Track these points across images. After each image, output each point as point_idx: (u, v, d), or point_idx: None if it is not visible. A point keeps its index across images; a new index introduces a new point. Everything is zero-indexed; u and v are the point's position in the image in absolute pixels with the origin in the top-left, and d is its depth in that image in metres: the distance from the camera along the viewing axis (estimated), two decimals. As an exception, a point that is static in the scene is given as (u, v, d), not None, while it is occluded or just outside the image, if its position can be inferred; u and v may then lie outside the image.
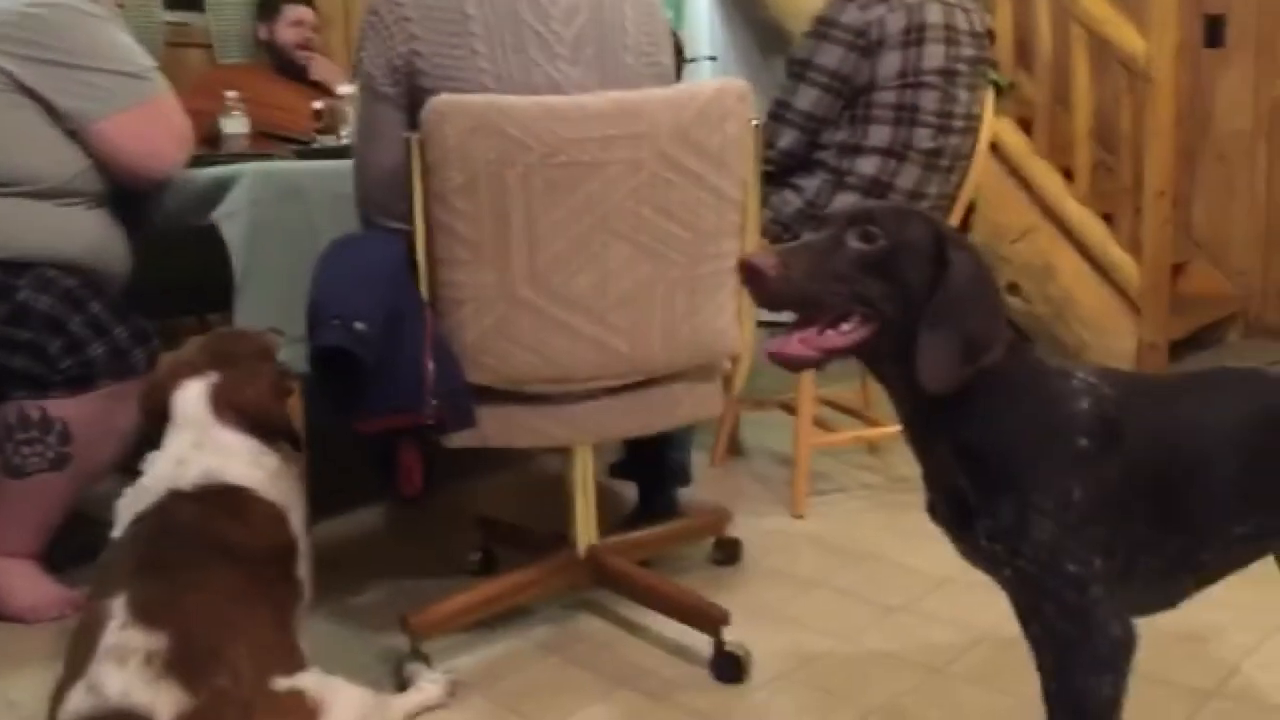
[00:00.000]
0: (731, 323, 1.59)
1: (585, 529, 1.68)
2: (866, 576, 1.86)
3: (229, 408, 1.36)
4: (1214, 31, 3.76)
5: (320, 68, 3.38)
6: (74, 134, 1.77)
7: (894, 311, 0.96)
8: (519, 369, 1.46)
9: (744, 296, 1.57)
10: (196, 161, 1.92)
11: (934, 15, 2.13)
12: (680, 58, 3.02)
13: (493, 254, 1.41)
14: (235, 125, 2.59)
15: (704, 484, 2.26)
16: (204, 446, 1.33)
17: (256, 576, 1.24)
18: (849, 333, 0.97)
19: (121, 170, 1.82)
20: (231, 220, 1.75)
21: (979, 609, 1.64)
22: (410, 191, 1.41)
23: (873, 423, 2.46)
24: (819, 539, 2.04)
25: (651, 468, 2.02)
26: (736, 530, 1.96)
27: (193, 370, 1.38)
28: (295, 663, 1.21)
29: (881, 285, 0.96)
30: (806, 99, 2.15)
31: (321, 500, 1.59)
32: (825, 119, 2.17)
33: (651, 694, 1.49)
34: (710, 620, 1.53)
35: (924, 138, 2.16)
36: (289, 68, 3.34)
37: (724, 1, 4.86)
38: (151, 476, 1.32)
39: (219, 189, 1.78)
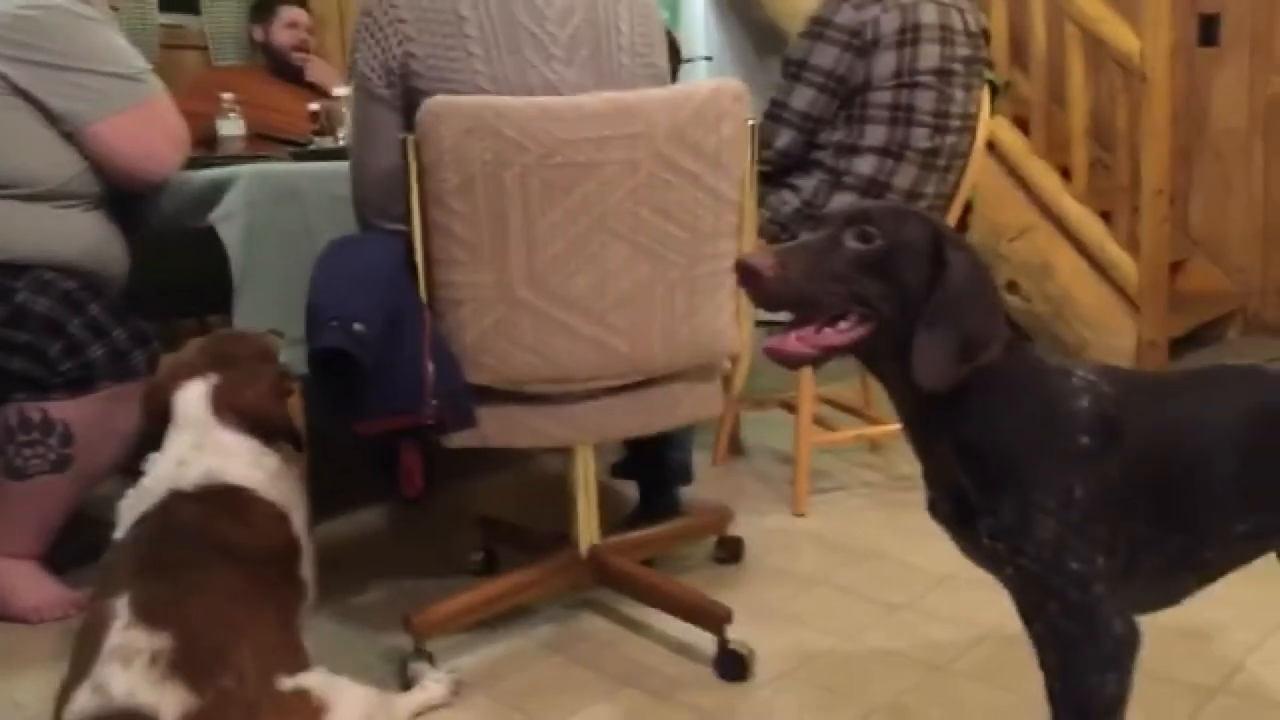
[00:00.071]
0: (730, 322, 1.59)
1: (587, 529, 1.69)
2: (868, 574, 1.86)
3: (230, 409, 1.36)
4: (1208, 30, 3.77)
5: (316, 69, 3.38)
6: (70, 136, 1.77)
7: (892, 311, 0.96)
8: (519, 369, 1.46)
9: (743, 296, 1.57)
10: (193, 163, 1.92)
11: (929, 15, 2.13)
12: (676, 58, 3.02)
13: (491, 255, 1.41)
14: (231, 127, 2.59)
15: (705, 483, 2.26)
16: (205, 447, 1.33)
17: (259, 577, 1.24)
18: (846, 331, 0.97)
19: (118, 172, 1.82)
20: (228, 222, 1.75)
21: (981, 606, 1.65)
22: (407, 193, 1.41)
23: (873, 421, 2.46)
24: (820, 537, 2.04)
25: (652, 467, 2.02)
26: (738, 529, 1.96)
27: (193, 372, 1.38)
28: (299, 662, 1.21)
29: (879, 285, 0.96)
30: (802, 99, 2.16)
31: (323, 501, 1.59)
32: (822, 119, 2.17)
33: (655, 692, 1.49)
34: (713, 619, 1.54)
35: (920, 137, 2.16)
36: (284, 69, 3.35)
37: (719, 2, 4.87)
38: (153, 477, 1.32)
39: (216, 191, 1.78)
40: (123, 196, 1.88)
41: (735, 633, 1.52)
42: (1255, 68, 3.71)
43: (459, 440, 1.48)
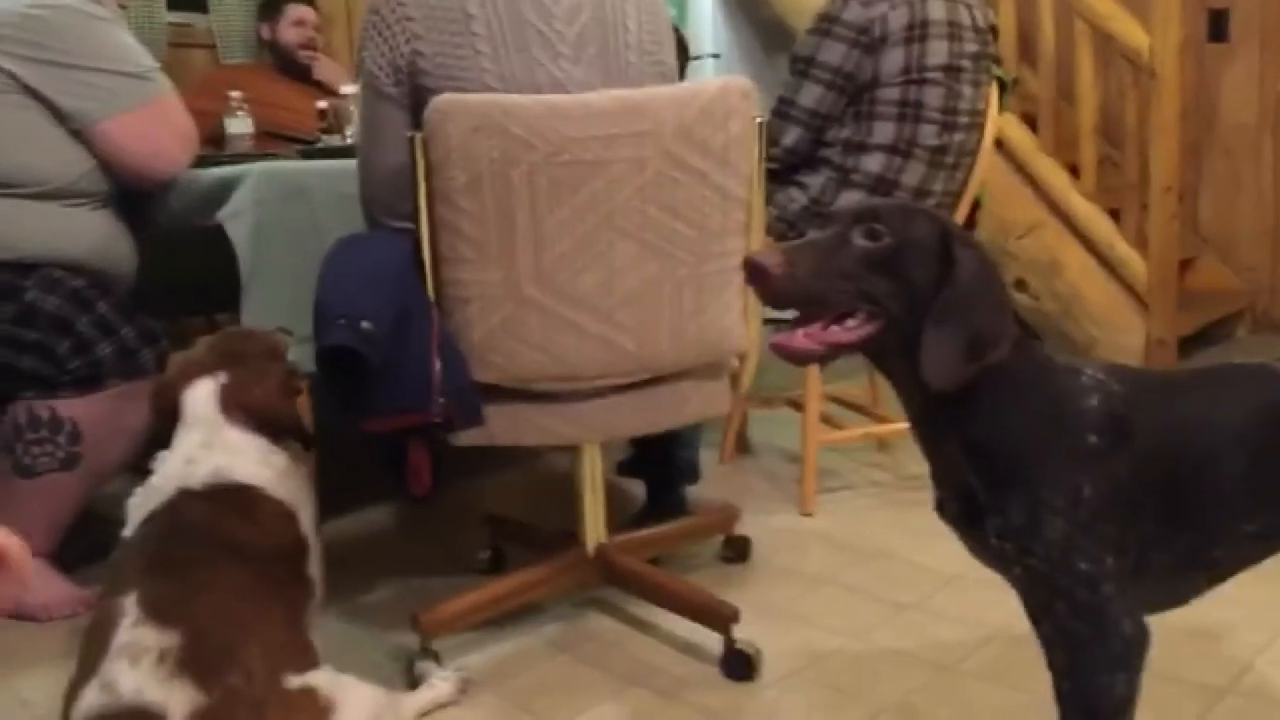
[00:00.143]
0: (738, 320, 1.59)
1: (594, 527, 1.68)
2: (876, 574, 1.85)
3: (238, 407, 1.36)
4: (1218, 26, 3.75)
5: (323, 68, 3.38)
6: (78, 135, 1.77)
7: (900, 309, 0.96)
8: (526, 367, 1.46)
9: (750, 294, 1.57)
10: (201, 162, 1.93)
11: (937, 11, 2.12)
12: (684, 56, 3.02)
13: (498, 253, 1.41)
14: (239, 125, 2.60)
15: (712, 482, 2.26)
16: (213, 446, 1.33)
17: (267, 575, 1.24)
18: (854, 329, 0.97)
19: (126, 171, 1.82)
20: (237, 220, 1.75)
21: (989, 606, 1.64)
22: (414, 191, 1.41)
23: (881, 419, 2.46)
24: (828, 536, 2.04)
25: (660, 466, 2.02)
26: (745, 528, 1.96)
27: (202, 370, 1.38)
28: (307, 661, 1.21)
29: (887, 283, 0.95)
30: (810, 96, 2.15)
31: (330, 499, 1.60)
32: (829, 116, 2.17)
33: (662, 692, 1.49)
34: (720, 618, 1.53)
35: (929, 134, 2.15)
36: (292, 68, 3.35)
37: (727, -1, 4.86)
38: (161, 476, 1.32)
39: (224, 189, 1.78)
40: (131, 195, 1.89)
41: (742, 632, 1.52)
42: (1265, 64, 3.69)
43: (466, 438, 1.48)
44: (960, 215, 2.29)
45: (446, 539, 2.12)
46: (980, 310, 0.95)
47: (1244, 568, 1.07)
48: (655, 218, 1.45)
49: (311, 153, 2.24)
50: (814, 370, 2.11)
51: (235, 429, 1.35)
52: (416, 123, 1.42)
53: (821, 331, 0.97)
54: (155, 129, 1.83)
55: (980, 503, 1.01)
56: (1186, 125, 3.33)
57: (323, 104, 2.64)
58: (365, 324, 1.38)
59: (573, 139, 1.39)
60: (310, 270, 1.47)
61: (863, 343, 0.98)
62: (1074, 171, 3.32)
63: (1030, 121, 3.42)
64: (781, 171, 2.21)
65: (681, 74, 2.07)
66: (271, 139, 2.69)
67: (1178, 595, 1.08)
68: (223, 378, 1.38)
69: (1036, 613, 1.03)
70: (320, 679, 1.18)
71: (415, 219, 1.43)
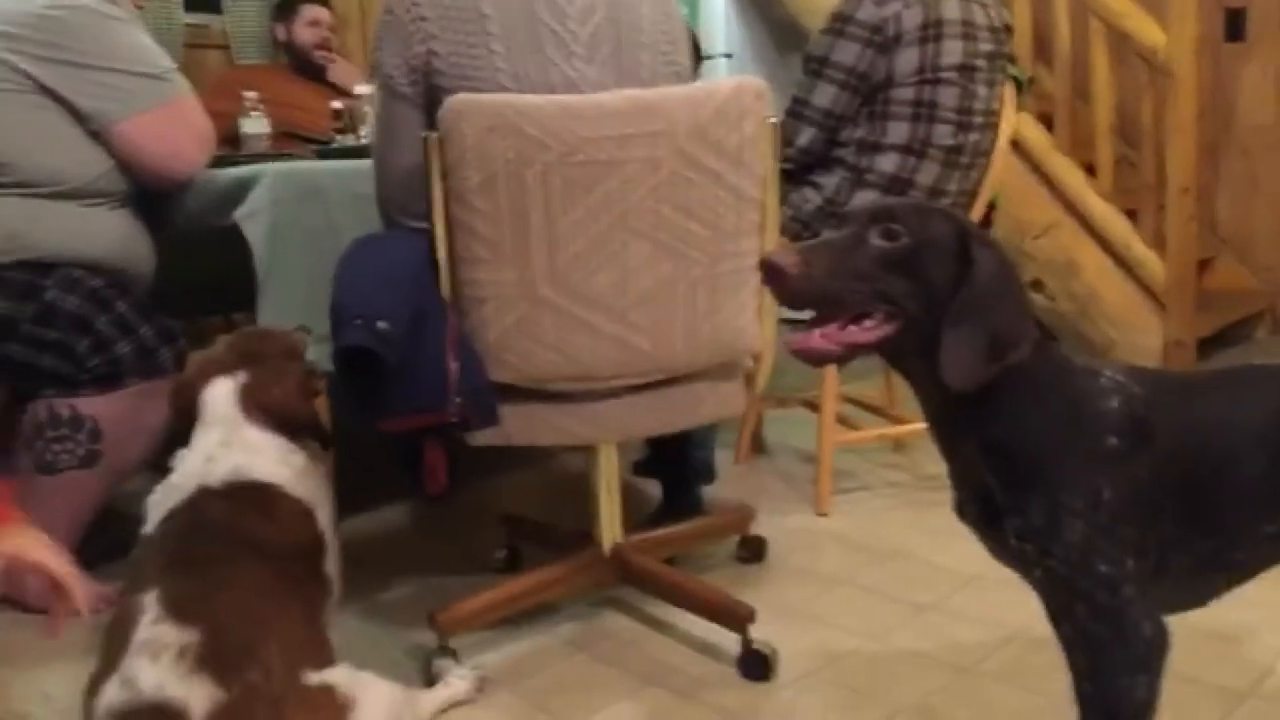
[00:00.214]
0: (753, 321, 1.59)
1: (610, 527, 1.69)
2: (893, 575, 1.85)
3: (257, 406, 1.37)
4: (1235, 25, 3.72)
5: (338, 68, 3.40)
6: (97, 135, 1.79)
7: (917, 309, 0.95)
8: (541, 367, 1.47)
9: (765, 294, 1.57)
10: (218, 162, 1.94)
11: (951, 11, 2.12)
12: (696, 56, 3.01)
13: (512, 253, 1.41)
14: (255, 126, 2.61)
15: (728, 482, 2.25)
16: (232, 444, 1.34)
17: (286, 572, 1.24)
18: (871, 329, 0.97)
19: (144, 171, 1.83)
20: (253, 220, 1.76)
21: (1008, 607, 1.64)
22: (429, 191, 1.42)
23: (897, 420, 2.45)
24: (844, 537, 2.04)
25: (675, 466, 2.02)
26: (761, 528, 1.95)
27: (221, 369, 1.39)
28: (325, 658, 1.21)
29: (904, 283, 0.95)
30: (824, 96, 2.15)
31: (347, 498, 1.60)
32: (843, 116, 2.16)
33: (678, 691, 1.49)
34: (736, 618, 1.53)
35: (943, 134, 2.15)
36: (307, 68, 3.37)
37: (739, -1, 4.85)
38: (181, 474, 1.33)
39: (240, 189, 1.79)
40: (149, 195, 1.90)
41: (758, 632, 1.52)
42: (1283, 63, 3.66)
43: (482, 438, 1.49)
44: (975, 215, 2.28)
45: (462, 538, 2.12)
46: (999, 310, 0.95)
47: (1264, 569, 1.06)
48: (669, 218, 1.45)
49: (327, 153, 2.25)
50: (830, 371, 2.10)
51: (254, 428, 1.36)
52: (432, 122, 1.42)
53: (838, 332, 0.96)
54: (172, 129, 1.84)
55: (999, 504, 1.00)
56: (1204, 125, 3.31)
57: (337, 104, 2.65)
58: (381, 324, 1.39)
59: (587, 139, 1.39)
60: (326, 270, 1.48)
61: (880, 343, 0.97)
62: (1090, 171, 3.30)
63: (1046, 121, 3.40)
64: (795, 172, 2.20)
65: (694, 74, 2.06)
66: (287, 139, 2.70)
67: (1197, 596, 1.07)
68: (242, 377, 1.38)
69: (1056, 615, 1.02)
70: (339, 676, 1.18)
71: (430, 219, 1.43)
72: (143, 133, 1.80)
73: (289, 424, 1.39)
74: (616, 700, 1.47)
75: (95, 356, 1.73)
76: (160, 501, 1.31)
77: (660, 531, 1.83)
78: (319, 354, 1.53)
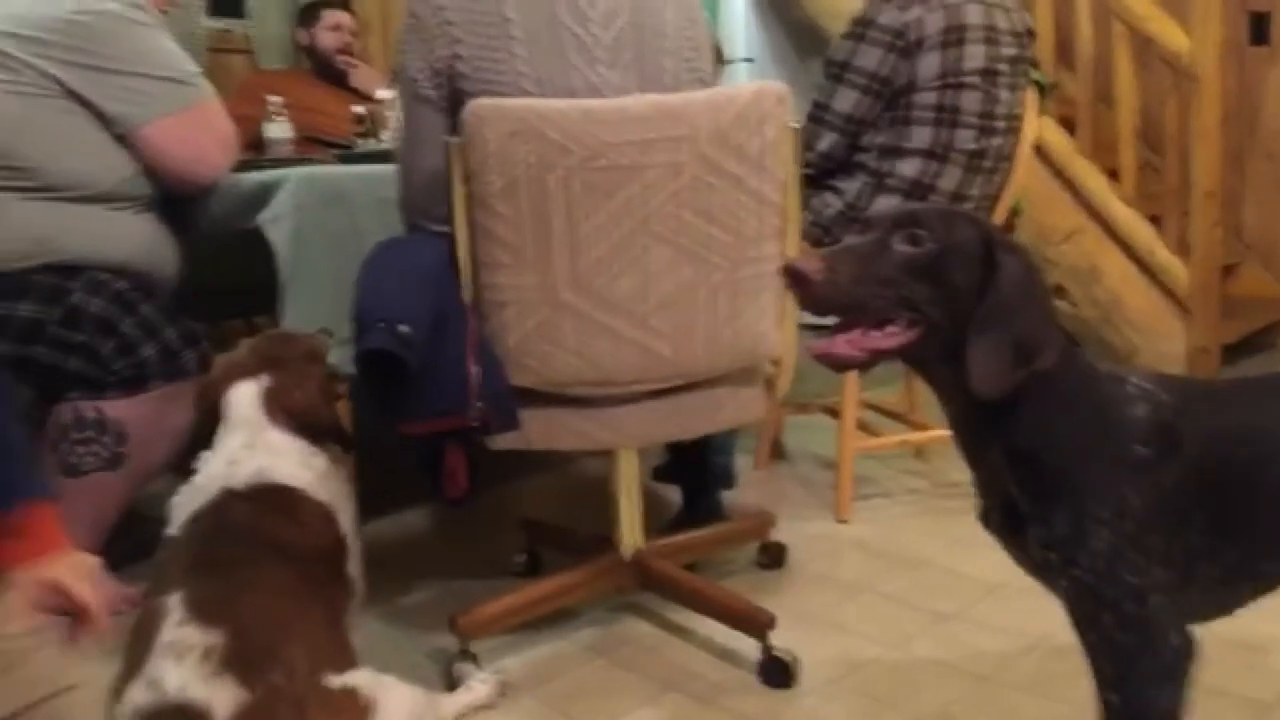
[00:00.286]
0: (773, 326, 1.58)
1: (631, 532, 1.68)
2: (914, 582, 1.84)
3: (280, 409, 1.37)
4: (1259, 29, 3.69)
5: (360, 73, 3.41)
6: (122, 139, 1.80)
7: (941, 315, 0.95)
8: (561, 372, 1.47)
9: (786, 300, 1.56)
10: (241, 166, 1.95)
11: (974, 15, 2.11)
12: (717, 60, 3.01)
13: (534, 257, 1.42)
14: (278, 130, 2.62)
15: (748, 488, 2.25)
16: (256, 447, 1.34)
17: (308, 575, 1.25)
18: (895, 335, 0.96)
19: (168, 175, 1.85)
20: (277, 224, 1.77)
21: (1031, 616, 1.62)
22: (451, 195, 1.42)
23: (918, 427, 2.43)
24: (865, 544, 2.03)
25: (695, 471, 2.01)
26: (781, 534, 1.95)
27: (245, 372, 1.40)
28: (347, 661, 1.22)
29: (928, 289, 0.95)
30: (845, 101, 2.14)
31: (368, 501, 1.61)
32: (865, 121, 2.16)
33: (699, 697, 1.48)
34: (757, 624, 1.53)
35: (966, 139, 2.14)
36: (329, 73, 3.39)
37: (759, 3, 4.85)
38: (205, 476, 1.34)
39: (264, 193, 1.80)
40: (173, 199, 1.92)
41: (779, 639, 1.51)
42: (1310, 67, 3.62)
43: (503, 442, 1.49)
44: (996, 220, 2.27)
45: (483, 542, 2.13)
46: (1025, 316, 0.94)
47: (1293, 579, 1.05)
48: (691, 223, 1.45)
49: (350, 157, 2.26)
50: (850, 376, 2.09)
51: (277, 430, 1.36)
52: (455, 126, 1.43)
53: (862, 338, 0.96)
54: (197, 134, 1.85)
55: (1025, 512, 1.00)
56: (1228, 130, 3.28)
57: (359, 109, 2.67)
58: (403, 327, 1.39)
59: (609, 144, 1.39)
60: (349, 273, 1.49)
61: (904, 349, 0.97)
62: (1113, 176, 3.27)
63: (1068, 125, 3.38)
64: (816, 177, 2.20)
65: (715, 79, 2.06)
66: (310, 144, 2.72)
67: (1225, 606, 1.06)
68: (265, 380, 1.39)
69: (1082, 624, 1.01)
70: (361, 679, 1.19)
71: (452, 223, 1.44)
72: (167, 137, 1.81)
73: (311, 427, 1.40)
74: (637, 705, 1.47)
75: (120, 359, 1.74)
76: (184, 503, 1.32)
77: (680, 537, 1.83)
78: (341, 357, 1.53)
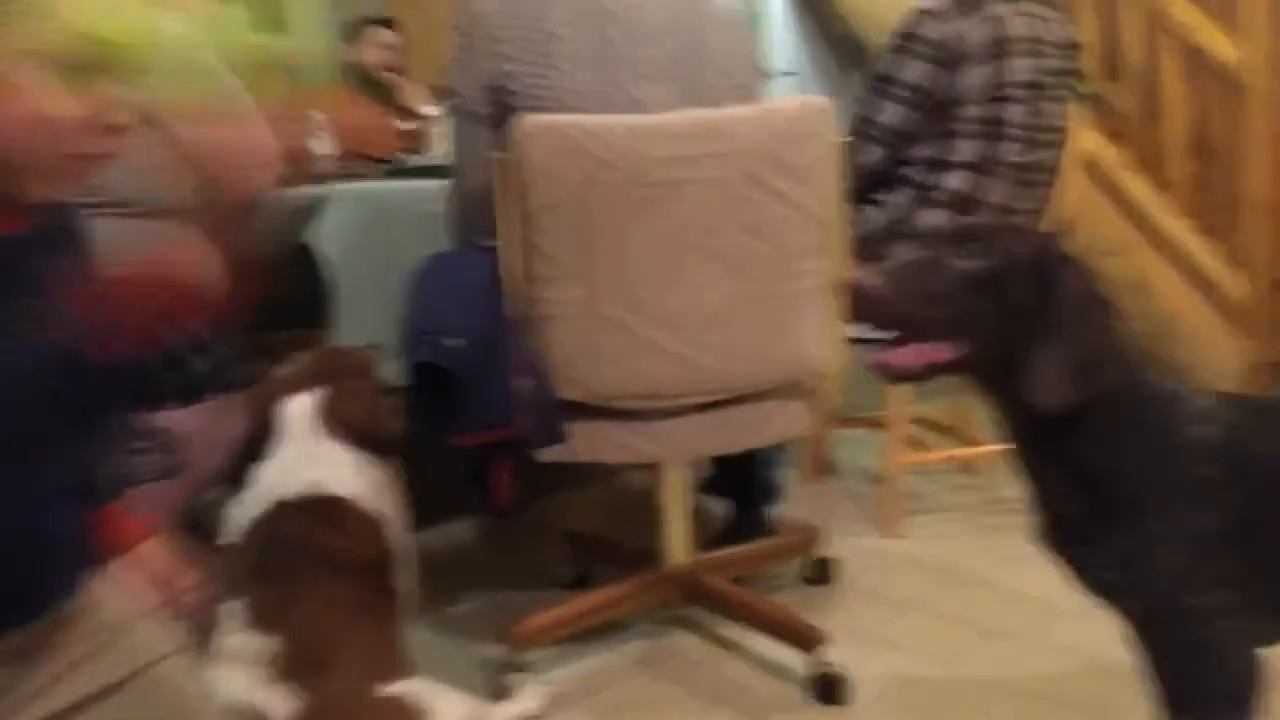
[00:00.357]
0: (819, 340, 1.57)
1: (678, 546, 1.68)
2: (966, 600, 1.81)
3: (333, 422, 1.39)
4: (1311, 37, 3.62)
5: (403, 90, 3.46)
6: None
7: (1002, 329, 0.94)
8: (607, 385, 1.47)
9: (832, 314, 1.56)
10: (286, 182, 1.98)
11: (1019, 27, 2.09)
12: (762, 75, 3.01)
13: (580, 272, 1.42)
14: (323, 146, 2.66)
15: (795, 502, 2.23)
16: (309, 459, 1.36)
17: (361, 585, 1.26)
18: (955, 348, 0.96)
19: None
20: (323, 240, 1.79)
21: (1087, 636, 1.59)
22: (498, 210, 1.43)
23: (968, 442, 2.40)
24: (915, 560, 2.00)
25: (741, 485, 2.01)
26: (829, 549, 1.93)
27: (297, 385, 1.42)
28: (400, 669, 1.22)
29: (990, 303, 0.94)
30: (890, 114, 2.13)
31: (416, 513, 1.62)
32: (909, 134, 2.14)
33: (748, 712, 1.47)
34: (808, 640, 1.52)
35: (1012, 152, 2.12)
36: (373, 89, 3.43)
37: (800, 15, 4.85)
38: (259, 487, 1.35)
39: (311, 209, 1.83)
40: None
41: (828, 655, 1.50)
42: (1364, 76, 3.55)
43: (549, 454, 1.50)
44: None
45: (529, 554, 2.13)
46: (1088, 331, 0.94)
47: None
48: (736, 238, 1.45)
49: (399, 172, 2.29)
50: (898, 391, 2.08)
51: (329, 443, 1.38)
52: (503, 142, 1.44)
53: (922, 350, 0.96)
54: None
55: (1086, 532, 0.98)
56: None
57: (404, 125, 2.70)
58: (451, 341, 1.40)
59: (654, 159, 1.40)
60: (396, 288, 1.50)
61: (964, 362, 0.96)
62: (1163, 188, 3.23)
63: (1116, 137, 3.33)
64: (859, 190, 2.19)
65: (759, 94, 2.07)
66: (355, 160, 2.75)
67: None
68: (317, 393, 1.40)
69: (1146, 647, 1.00)
70: (412, 688, 1.19)
71: (499, 237, 1.45)
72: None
73: (362, 439, 1.41)
74: (685, 719, 1.46)
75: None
76: (239, 514, 1.34)
77: (728, 551, 1.82)
78: (390, 371, 1.55)
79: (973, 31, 2.07)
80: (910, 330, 0.96)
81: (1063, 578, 1.05)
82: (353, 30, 3.49)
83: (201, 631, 1.16)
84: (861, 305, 0.94)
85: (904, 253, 2.03)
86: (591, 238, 1.41)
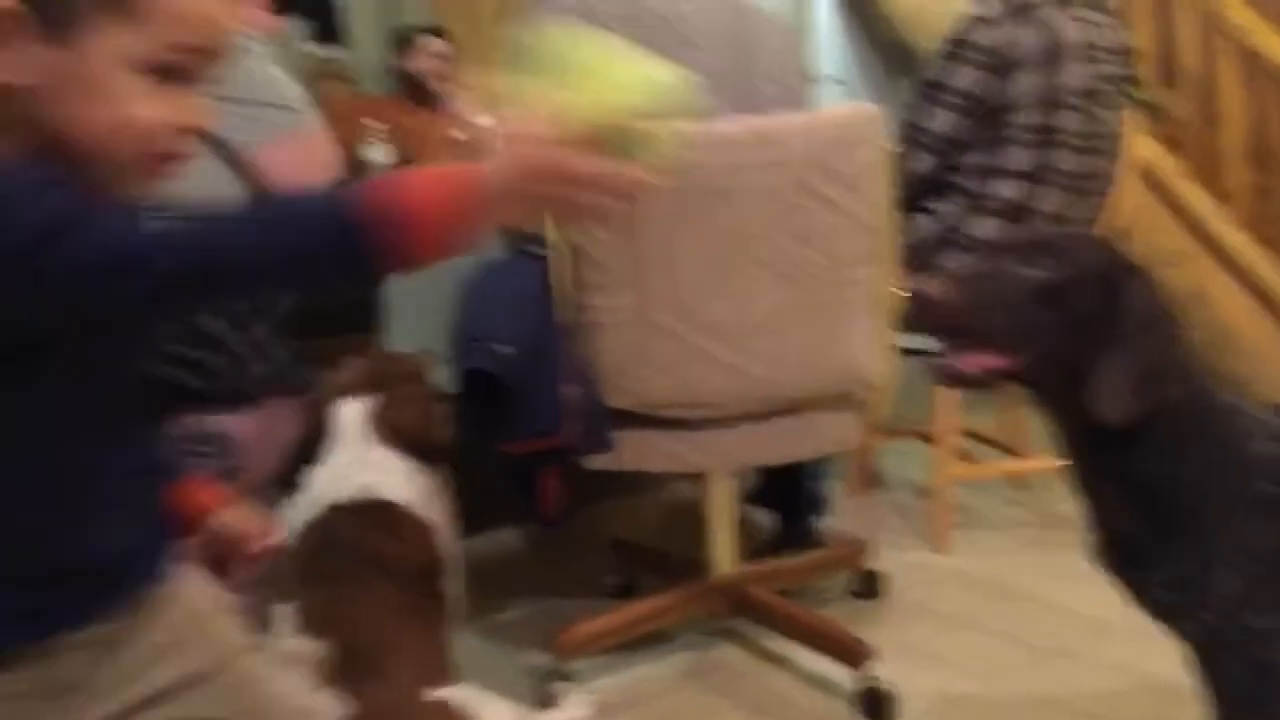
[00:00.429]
0: (869, 350, 1.56)
1: (724, 556, 1.67)
2: (1017, 616, 1.79)
3: (385, 427, 1.40)
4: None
5: (455, 99, 3.49)
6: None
7: (1065, 340, 0.93)
8: (656, 393, 1.47)
9: (883, 323, 1.54)
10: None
11: (1073, 33, 2.06)
12: (810, 82, 3.00)
13: (630, 280, 1.43)
14: (378, 155, 2.70)
15: (843, 514, 2.21)
16: (362, 464, 1.38)
17: (411, 590, 1.27)
18: (1017, 358, 0.95)
19: None
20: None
21: (1141, 655, 1.55)
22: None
23: (1018, 456, 2.36)
24: (964, 575, 1.98)
25: (788, 496, 2.00)
26: (877, 563, 1.91)
27: (351, 390, 1.44)
28: (447, 675, 1.23)
29: (1054, 313, 0.94)
30: (940, 121, 2.11)
31: (464, 520, 1.63)
32: (960, 141, 2.12)
33: (793, 726, 1.47)
34: (855, 654, 1.50)
35: (1066, 160, 2.09)
36: (424, 98, 3.47)
37: (847, 22, 4.82)
38: (313, 490, 1.37)
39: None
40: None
41: (875, 670, 1.49)
42: None
43: (596, 461, 1.50)
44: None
45: (575, 562, 2.14)
46: (1153, 343, 0.92)
47: None
48: (786, 245, 1.45)
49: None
50: (947, 402, 2.05)
51: (382, 448, 1.39)
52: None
53: (984, 357, 0.95)
54: (300, 158, 1.91)
55: (1145, 550, 0.96)
56: (1343, 148, 3.14)
57: (456, 134, 2.73)
58: (502, 348, 1.42)
59: (704, 167, 1.40)
60: (449, 294, 1.52)
61: (1024, 372, 0.96)
62: (1222, 198, 3.16)
63: (1172, 145, 3.27)
64: (908, 198, 2.17)
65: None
66: (408, 168, 2.79)
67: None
68: (371, 399, 1.42)
69: (1205, 669, 0.97)
70: (459, 694, 1.20)
71: (549, 245, 1.46)
72: (270, 162, 1.88)
73: (414, 445, 1.43)
74: (731, 731, 1.46)
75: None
76: (293, 517, 1.36)
77: (773, 562, 1.81)
78: (441, 377, 1.57)
79: (1025, 38, 2.05)
80: (973, 339, 0.95)
81: (1117, 595, 1.03)
82: (405, 39, 3.54)
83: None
84: (924, 313, 0.94)
85: (955, 261, 2.01)
86: (641, 246, 1.42)
